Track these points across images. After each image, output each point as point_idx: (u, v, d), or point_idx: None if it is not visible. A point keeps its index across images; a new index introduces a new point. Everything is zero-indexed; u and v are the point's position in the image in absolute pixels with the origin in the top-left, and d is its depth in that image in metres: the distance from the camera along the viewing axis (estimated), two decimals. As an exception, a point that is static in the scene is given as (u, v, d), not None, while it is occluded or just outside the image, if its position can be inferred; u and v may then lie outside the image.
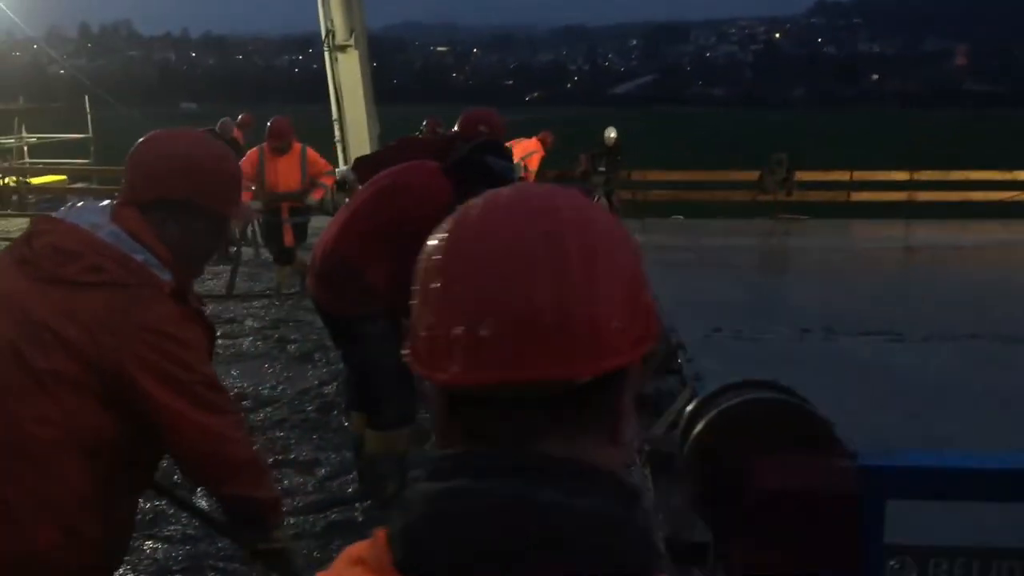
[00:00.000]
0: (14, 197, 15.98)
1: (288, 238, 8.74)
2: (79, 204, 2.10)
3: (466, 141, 4.97)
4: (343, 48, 12.81)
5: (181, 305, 1.99)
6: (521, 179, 13.45)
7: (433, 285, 0.82)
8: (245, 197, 9.07)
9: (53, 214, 2.08)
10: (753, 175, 16.80)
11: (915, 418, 5.65)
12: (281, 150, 8.50)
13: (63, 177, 18.18)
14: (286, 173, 8.57)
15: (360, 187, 4.40)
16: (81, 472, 1.89)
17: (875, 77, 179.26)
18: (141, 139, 2.15)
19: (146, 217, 2.01)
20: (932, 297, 9.52)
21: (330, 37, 12.58)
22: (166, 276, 1.98)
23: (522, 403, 0.80)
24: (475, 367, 0.78)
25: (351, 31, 12.89)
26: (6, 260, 1.99)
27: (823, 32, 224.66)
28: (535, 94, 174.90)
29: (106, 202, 2.07)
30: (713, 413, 1.71)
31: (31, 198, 16.39)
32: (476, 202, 0.86)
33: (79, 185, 18.13)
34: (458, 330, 0.79)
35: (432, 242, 0.85)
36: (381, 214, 3.79)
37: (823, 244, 13.82)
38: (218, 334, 7.21)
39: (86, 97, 18.41)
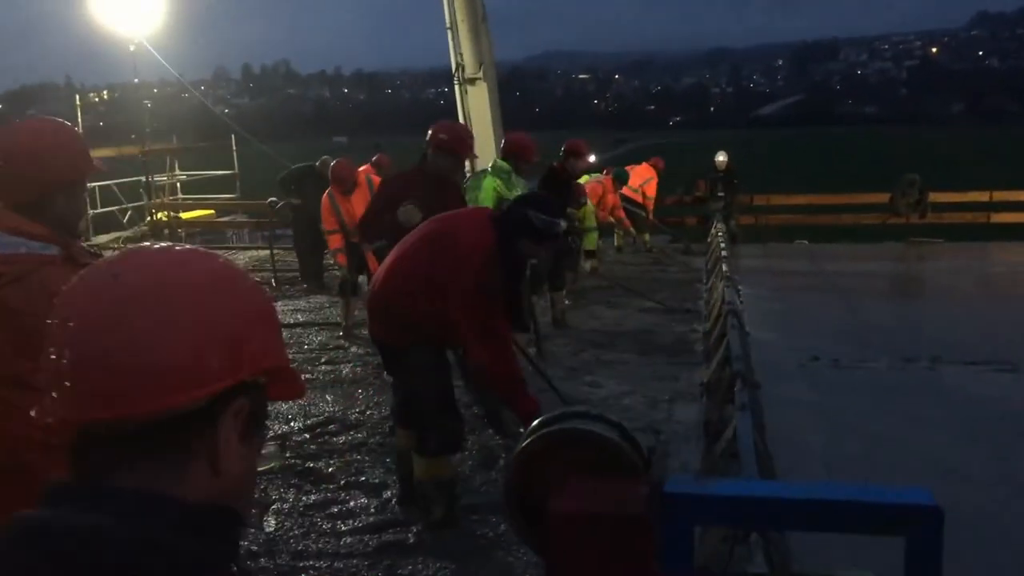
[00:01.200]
0: (166, 231, 17.22)
1: (373, 265, 9.10)
2: None
3: (434, 148, 5.39)
4: (472, 80, 13.30)
5: (75, 266, 2.26)
6: (638, 209, 13.56)
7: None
8: (333, 243, 9.46)
9: None
10: (884, 197, 16.20)
11: (996, 455, 5.39)
12: (348, 191, 8.89)
13: (211, 211, 19.45)
14: (361, 207, 8.95)
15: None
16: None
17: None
18: None
19: (15, 210, 2.33)
20: (1064, 326, 8.97)
21: (460, 71, 13.09)
22: (52, 250, 2.32)
23: (98, 440, 0.89)
24: (52, 411, 0.89)
25: (480, 64, 13.37)
26: None
27: (985, 45, 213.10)
28: (677, 118, 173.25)
29: None
30: (525, 442, 1.78)
31: (181, 231, 17.63)
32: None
33: (226, 218, 19.36)
34: (44, 378, 0.91)
35: None
36: (427, 261, 4.00)
37: (954, 268, 13.18)
38: (322, 360, 7.58)
39: (232, 136, 19.65)
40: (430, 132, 5.62)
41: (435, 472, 4.18)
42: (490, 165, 7.31)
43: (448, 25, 12.88)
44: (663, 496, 1.27)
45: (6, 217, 2.33)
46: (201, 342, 0.90)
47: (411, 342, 4.05)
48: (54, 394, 0.89)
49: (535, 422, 1.85)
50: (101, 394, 0.87)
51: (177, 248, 0.99)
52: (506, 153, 7.20)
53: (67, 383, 0.88)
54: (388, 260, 4.28)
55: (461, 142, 5.64)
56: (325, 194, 9.06)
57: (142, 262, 0.95)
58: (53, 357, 0.90)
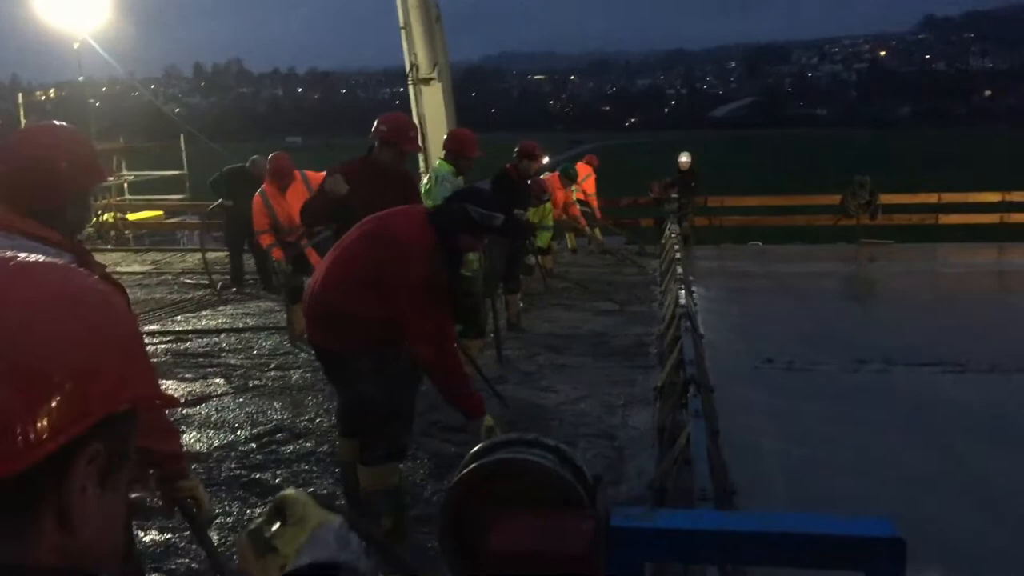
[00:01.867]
0: (112, 232, 16.84)
1: (314, 259, 8.91)
2: None
3: (378, 140, 5.38)
4: (426, 81, 13.18)
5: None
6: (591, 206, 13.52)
7: None
8: (264, 241, 9.31)
9: None
10: (835, 199, 16.37)
11: (946, 455, 5.42)
12: (285, 186, 8.67)
13: (160, 212, 19.06)
14: (296, 203, 8.77)
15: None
16: None
17: (988, 93, 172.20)
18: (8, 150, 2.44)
19: (26, 214, 2.34)
20: (1014, 326, 9.10)
21: (414, 71, 12.96)
22: (66, 257, 2.26)
23: None
24: None
25: (434, 64, 13.25)
26: None
27: (932, 48, 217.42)
28: (633, 119, 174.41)
29: None
30: (459, 474, 1.69)
31: (129, 233, 17.25)
32: None
33: (174, 220, 18.99)
34: None
35: None
36: (367, 261, 3.91)
37: (905, 269, 13.35)
38: (271, 367, 7.39)
39: (181, 136, 19.29)
40: (375, 124, 5.59)
41: (381, 482, 4.06)
42: (432, 167, 7.24)
43: (402, 25, 12.74)
44: (609, 531, 1.18)
45: (23, 223, 2.34)
46: (31, 393, 0.74)
47: (353, 346, 3.94)
48: None
49: (469, 453, 1.76)
50: None
51: None
52: (447, 151, 7.10)
53: None
54: (324, 263, 4.18)
55: (401, 133, 5.57)
56: (257, 193, 8.82)
57: None
58: None
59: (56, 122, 2.62)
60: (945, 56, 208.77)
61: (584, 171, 14.26)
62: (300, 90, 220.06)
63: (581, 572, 1.13)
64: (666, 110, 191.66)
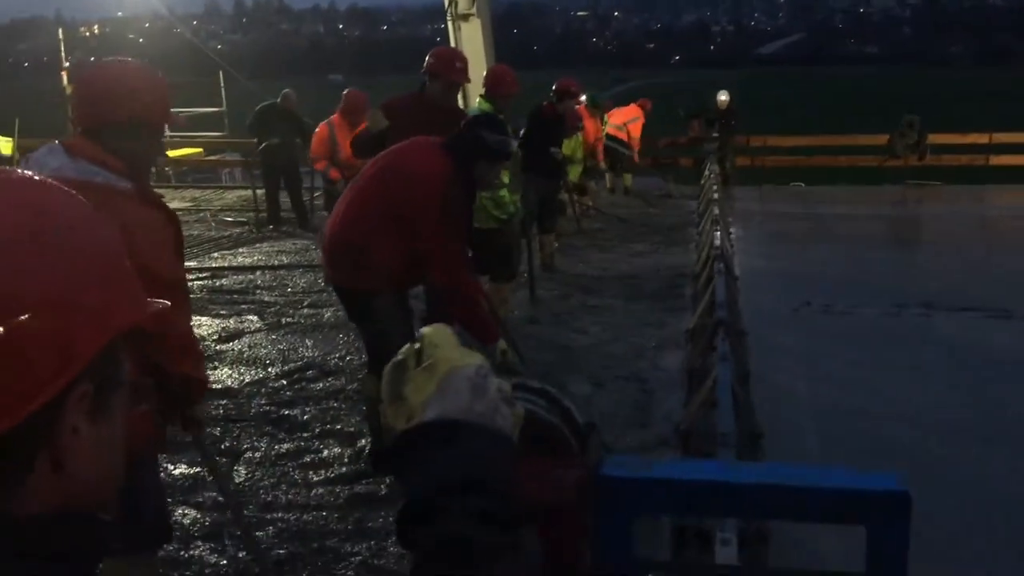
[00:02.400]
0: (153, 169, 16.94)
1: None
2: (35, 155, 2.60)
3: (428, 75, 5.31)
4: (465, 17, 13.00)
5: (144, 203, 2.52)
6: (617, 143, 13.25)
7: None
8: (319, 166, 9.41)
9: (21, 166, 2.57)
10: (882, 139, 15.95)
11: (980, 404, 5.30)
12: (356, 123, 8.66)
13: (199, 149, 19.13)
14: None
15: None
16: None
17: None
18: (81, 76, 2.73)
19: (97, 140, 2.51)
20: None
21: (453, 6, 12.77)
22: (124, 183, 2.47)
23: None
24: None
25: (473, 0, 13.06)
26: None
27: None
28: (677, 57, 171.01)
29: (56, 142, 2.56)
30: None
31: (169, 169, 17.36)
32: None
33: (214, 157, 19.06)
34: None
35: None
36: (384, 197, 3.89)
37: (952, 212, 13.01)
38: (304, 304, 7.49)
39: (220, 73, 19.23)
40: (426, 59, 5.55)
41: None
42: (470, 107, 7.14)
43: (440, -41, 12.55)
44: (599, 481, 1.12)
45: (85, 146, 2.50)
46: (7, 343, 0.68)
47: (371, 284, 3.94)
48: None
49: None
50: None
51: None
52: (485, 89, 7.00)
53: None
54: (341, 203, 4.15)
55: (447, 64, 5.51)
56: (324, 122, 8.89)
57: None
58: None
59: (139, 61, 2.78)
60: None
61: (632, 113, 13.94)
62: (341, 27, 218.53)
63: (566, 523, 1.08)
64: (712, 47, 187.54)
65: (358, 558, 3.59)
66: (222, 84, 19.25)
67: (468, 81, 6.37)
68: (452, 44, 13.95)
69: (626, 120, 13.72)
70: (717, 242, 7.08)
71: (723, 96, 15.14)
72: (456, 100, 6.15)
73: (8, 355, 0.68)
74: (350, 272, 4.00)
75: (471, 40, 13.79)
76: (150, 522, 2.77)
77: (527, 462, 1.46)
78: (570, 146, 10.32)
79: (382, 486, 4.22)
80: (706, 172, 13.27)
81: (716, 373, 3.91)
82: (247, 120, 11.55)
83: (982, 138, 16.09)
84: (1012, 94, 44.92)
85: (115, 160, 2.47)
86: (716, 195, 10.11)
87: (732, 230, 10.40)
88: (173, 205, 13.44)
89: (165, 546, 3.53)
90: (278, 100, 10.99)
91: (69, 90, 15.67)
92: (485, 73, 7.54)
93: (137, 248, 2.41)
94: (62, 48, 17.64)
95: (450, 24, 13.78)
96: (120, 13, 18.13)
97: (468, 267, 4.12)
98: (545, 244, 8.98)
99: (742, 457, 3.73)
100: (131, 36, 17.64)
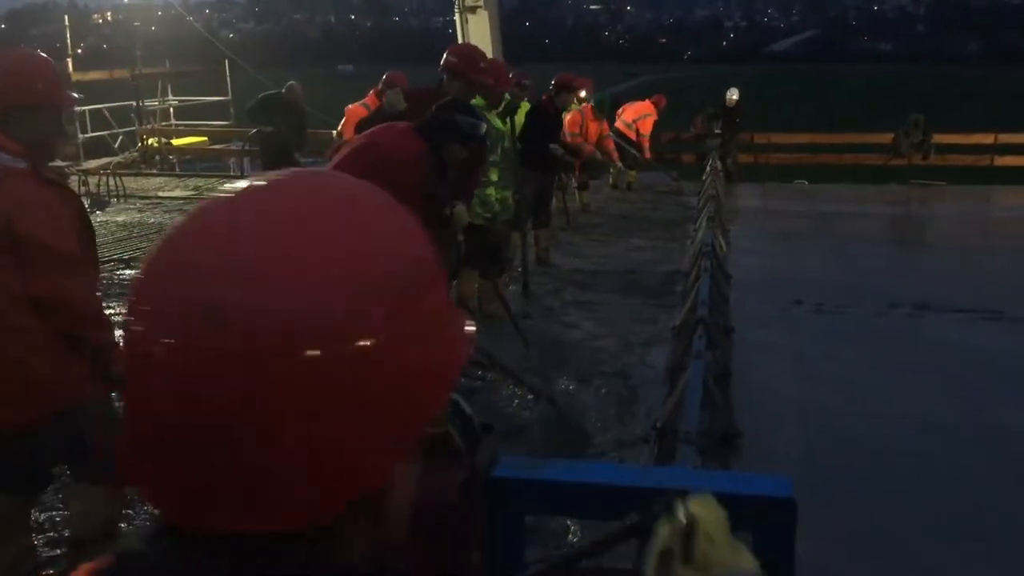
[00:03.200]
0: (157, 157, 16.99)
1: None
2: None
3: (447, 72, 5.30)
4: (473, 9, 13.04)
5: (40, 183, 2.67)
6: (629, 139, 13.23)
7: None
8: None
9: None
10: (887, 138, 15.88)
11: (967, 404, 5.29)
12: None
13: (204, 138, 19.16)
14: None
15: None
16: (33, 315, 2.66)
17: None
18: None
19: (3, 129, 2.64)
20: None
21: (461, -1, 12.85)
22: (20, 163, 2.64)
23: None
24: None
25: (481, -8, 13.11)
26: None
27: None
28: (689, 52, 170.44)
29: None
30: None
31: (172, 158, 17.40)
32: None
33: (219, 146, 19.10)
34: None
35: None
36: (355, 174, 3.90)
37: (955, 212, 12.95)
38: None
39: (225, 61, 19.27)
40: (444, 55, 5.54)
41: None
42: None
43: (450, -50, 12.61)
44: (488, 482, 1.13)
45: None
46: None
47: None
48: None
49: None
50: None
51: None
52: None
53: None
54: None
55: (472, 64, 5.49)
56: (361, 105, 9.03)
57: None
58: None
59: (22, 47, 3.02)
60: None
61: (644, 110, 13.85)
62: (353, 17, 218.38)
63: (451, 523, 1.09)
64: (724, 43, 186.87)
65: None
66: (227, 73, 19.28)
67: (490, 82, 6.35)
68: (460, 36, 13.96)
69: (636, 117, 13.68)
70: (706, 239, 7.07)
71: (733, 95, 15.05)
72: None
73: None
74: None
75: (478, 33, 13.81)
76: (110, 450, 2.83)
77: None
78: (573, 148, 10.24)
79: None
80: (708, 168, 13.24)
81: (688, 372, 3.91)
82: (248, 105, 11.58)
83: (987, 138, 16.00)
84: (1020, 92, 44.64)
85: (11, 143, 2.63)
86: (713, 192, 10.09)
87: (730, 227, 10.39)
88: (175, 193, 13.45)
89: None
90: (283, 90, 11.04)
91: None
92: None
93: (32, 223, 2.59)
94: (68, 34, 17.69)
95: (458, 16, 13.80)
96: (131, 0, 18.08)
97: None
98: (540, 238, 8.98)
99: (715, 456, 3.73)
100: (135, 23, 17.61)
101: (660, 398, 5.29)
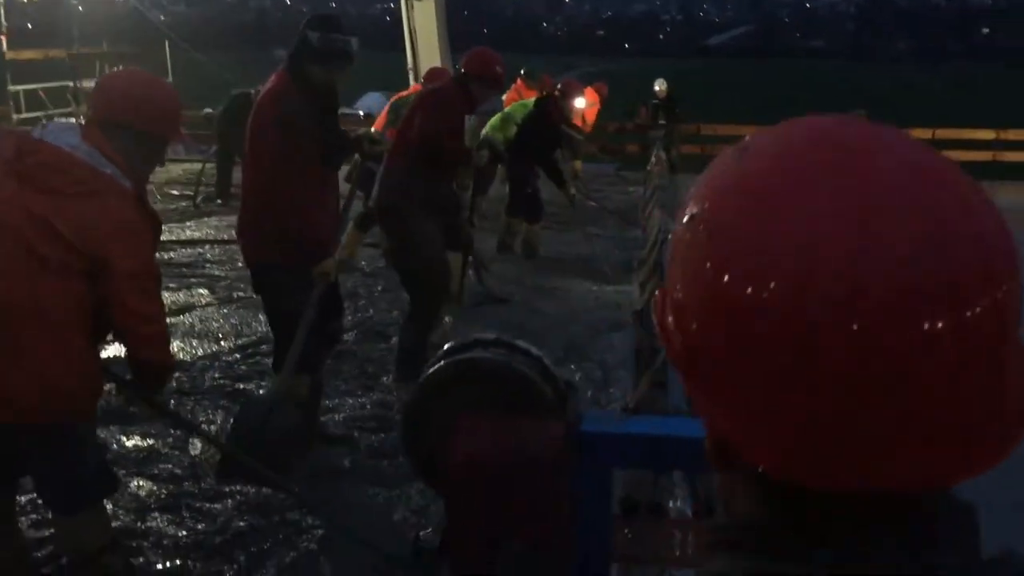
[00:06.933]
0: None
1: None
2: (51, 126, 2.74)
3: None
4: (419, -4, 12.96)
5: (139, 206, 2.68)
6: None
7: None
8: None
9: (33, 136, 2.66)
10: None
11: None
12: None
13: (144, 120, 18.69)
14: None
15: None
16: (82, 330, 2.60)
17: (985, 31, 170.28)
18: (110, 74, 3.05)
19: (105, 136, 2.65)
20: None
21: (407, -15, 12.74)
22: (127, 183, 2.64)
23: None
24: None
25: (428, -21, 13.02)
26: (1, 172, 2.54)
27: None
28: (626, 45, 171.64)
29: (73, 122, 2.87)
30: (429, 371, 1.62)
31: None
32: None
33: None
34: None
35: None
36: (253, 143, 3.94)
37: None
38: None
39: (166, 43, 18.79)
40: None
41: (290, 390, 3.91)
42: None
43: (393, -65, 12.54)
44: (580, 437, 1.15)
45: (97, 137, 2.64)
46: None
47: (275, 257, 3.88)
48: None
49: (443, 348, 1.69)
50: None
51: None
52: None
53: None
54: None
55: (487, 68, 5.36)
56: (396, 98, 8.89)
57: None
58: None
59: (150, 76, 3.14)
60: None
61: (589, 98, 13.83)
62: (289, 2, 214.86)
63: (548, 478, 1.10)
64: (661, 36, 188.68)
65: (319, 531, 3.59)
66: (167, 55, 18.82)
67: (502, 89, 6.29)
68: (405, 24, 13.83)
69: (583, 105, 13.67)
70: (664, 225, 7.15)
71: (658, 86, 15.24)
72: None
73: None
74: (257, 243, 4.04)
75: (423, 21, 13.70)
76: (93, 473, 2.78)
77: (512, 418, 1.47)
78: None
79: (345, 460, 4.22)
80: (652, 159, 13.36)
81: (663, 354, 3.96)
82: (223, 105, 11.16)
83: (925, 133, 16.40)
84: (949, 92, 46.00)
85: (118, 157, 2.64)
86: (659, 182, 10.21)
87: (674, 217, 10.51)
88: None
89: (121, 517, 3.50)
90: (252, 92, 10.75)
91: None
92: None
93: (124, 247, 2.57)
94: (1, 15, 17.07)
95: (403, 4, 13.68)
96: (60, -23, 17.48)
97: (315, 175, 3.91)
98: (513, 225, 8.97)
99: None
100: (74, 2, 16.96)
101: (630, 382, 5.36)
